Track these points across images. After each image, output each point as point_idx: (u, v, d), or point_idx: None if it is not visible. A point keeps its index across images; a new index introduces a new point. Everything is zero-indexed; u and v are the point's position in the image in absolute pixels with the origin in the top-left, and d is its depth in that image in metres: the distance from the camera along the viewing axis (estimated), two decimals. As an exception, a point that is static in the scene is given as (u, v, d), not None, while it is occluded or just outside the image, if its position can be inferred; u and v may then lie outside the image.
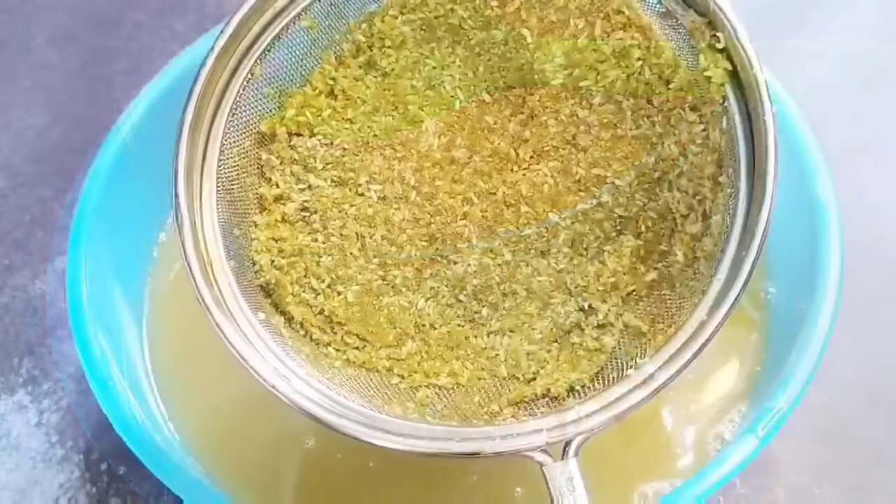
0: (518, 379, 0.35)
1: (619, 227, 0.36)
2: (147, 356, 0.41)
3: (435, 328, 0.36)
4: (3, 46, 0.57)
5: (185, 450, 0.38)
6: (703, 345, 0.31)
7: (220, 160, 0.35)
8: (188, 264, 0.33)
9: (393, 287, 0.37)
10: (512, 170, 0.37)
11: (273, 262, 0.36)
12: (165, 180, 0.44)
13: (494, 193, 0.37)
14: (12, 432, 0.42)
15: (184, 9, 0.59)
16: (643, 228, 0.36)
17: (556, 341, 0.36)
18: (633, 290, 0.35)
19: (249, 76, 0.35)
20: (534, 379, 0.35)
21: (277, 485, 0.38)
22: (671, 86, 0.35)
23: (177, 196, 0.33)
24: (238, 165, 0.36)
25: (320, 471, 0.38)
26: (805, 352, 0.35)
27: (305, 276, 0.36)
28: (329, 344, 0.36)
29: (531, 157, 0.36)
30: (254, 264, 0.35)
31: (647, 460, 0.38)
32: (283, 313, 0.36)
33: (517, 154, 0.36)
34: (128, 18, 0.58)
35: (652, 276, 0.35)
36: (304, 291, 0.36)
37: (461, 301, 0.37)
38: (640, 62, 0.35)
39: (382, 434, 0.31)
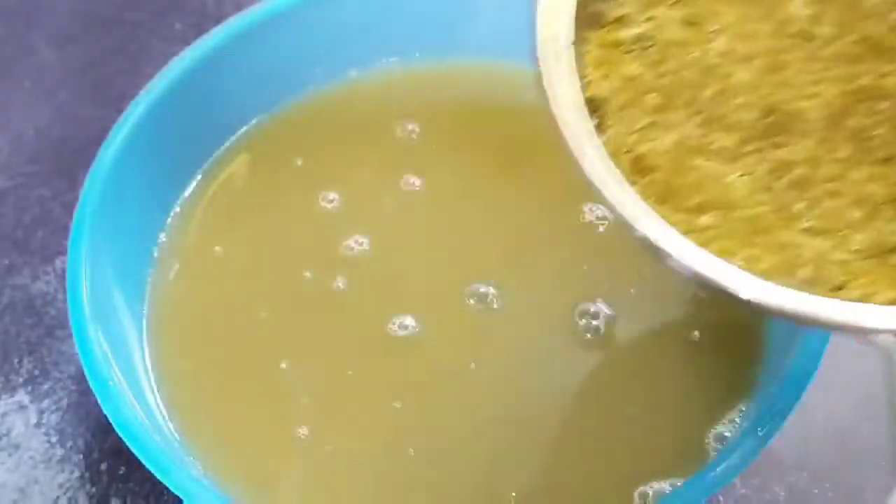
0: (820, 284, 0.31)
1: None
2: (147, 356, 0.41)
3: (741, 207, 0.32)
4: (2, 46, 0.57)
5: (185, 450, 0.38)
6: None
7: None
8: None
9: (709, 151, 0.33)
10: (882, 61, 0.32)
11: (603, 77, 0.33)
12: (167, 180, 0.44)
13: (852, 83, 0.32)
14: (12, 432, 0.42)
15: (183, 9, 0.59)
16: None
17: (873, 257, 0.31)
18: None
19: None
20: (840, 289, 0.31)
21: (278, 484, 0.38)
22: None
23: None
24: None
25: (323, 470, 0.38)
26: (805, 352, 0.35)
27: (626, 108, 0.33)
28: (634, 183, 0.32)
29: None
30: (584, 77, 0.33)
31: (647, 460, 0.38)
32: None
33: (892, 46, 0.32)
34: (127, 19, 0.58)
35: None
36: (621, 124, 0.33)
37: (776, 188, 0.32)
38: None
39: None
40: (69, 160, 0.51)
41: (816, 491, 0.39)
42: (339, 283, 0.42)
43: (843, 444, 0.40)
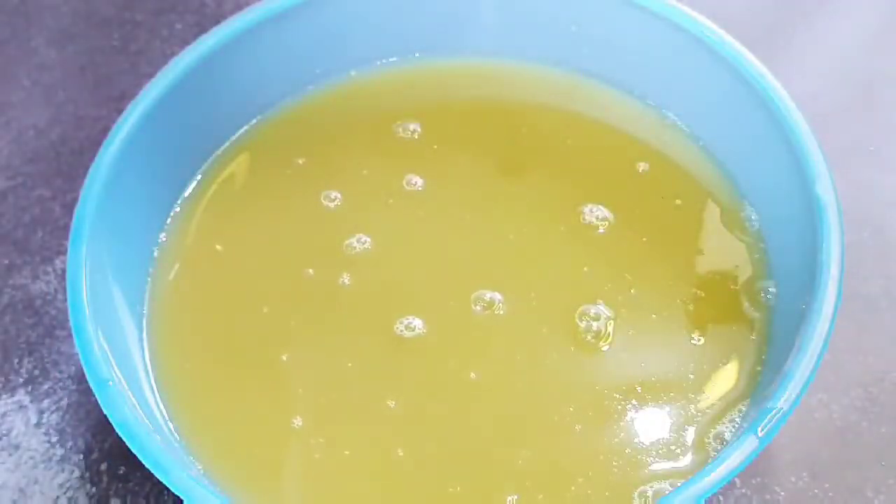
0: None
1: None
2: (147, 356, 0.41)
3: None
4: (3, 46, 0.57)
5: (185, 449, 0.38)
6: None
7: None
8: None
9: None
10: None
11: None
12: (167, 180, 0.45)
13: None
14: (12, 432, 0.42)
15: (183, 8, 0.59)
16: None
17: None
18: None
19: None
20: None
21: (279, 484, 0.38)
22: None
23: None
24: None
25: (321, 470, 0.38)
26: (805, 352, 0.35)
27: None
28: None
29: None
30: None
31: (647, 461, 0.38)
32: None
33: None
34: (127, 19, 0.58)
35: None
36: None
37: None
38: None
39: None
40: (69, 160, 0.51)
41: (816, 491, 0.39)
42: (343, 280, 0.42)
43: (843, 444, 0.40)
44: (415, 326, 0.40)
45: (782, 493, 0.40)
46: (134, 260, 0.43)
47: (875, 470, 0.40)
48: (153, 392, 0.40)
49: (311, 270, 0.42)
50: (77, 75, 0.55)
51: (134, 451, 0.34)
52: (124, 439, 0.34)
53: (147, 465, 0.33)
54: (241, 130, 0.47)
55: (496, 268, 0.42)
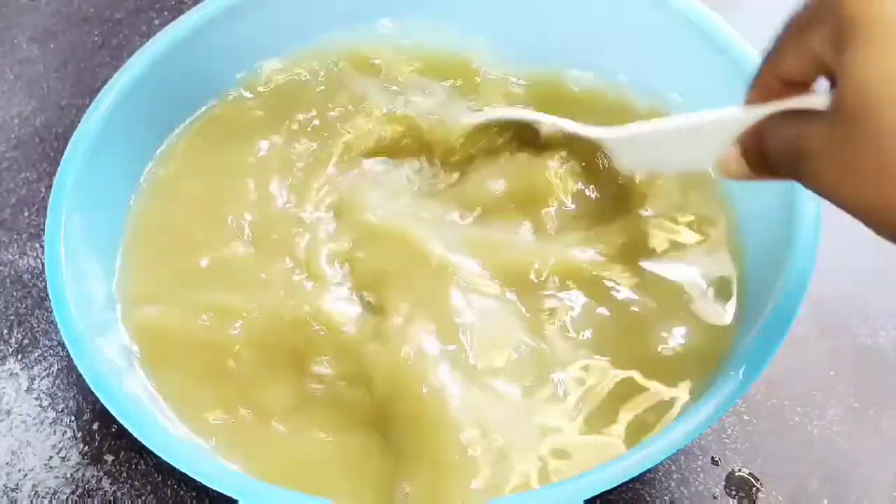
0: None
1: None
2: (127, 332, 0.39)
3: None
4: (-15, 44, 0.56)
5: (163, 410, 0.36)
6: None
7: None
8: None
9: None
10: None
11: None
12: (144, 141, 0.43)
13: None
14: (3, 399, 0.40)
15: (161, 6, 0.59)
16: None
17: None
18: None
19: None
20: None
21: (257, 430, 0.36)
22: None
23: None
24: None
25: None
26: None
27: None
28: None
29: None
30: None
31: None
32: None
33: None
34: (107, 17, 0.57)
35: None
36: None
37: None
38: None
39: None
40: (53, 145, 0.49)
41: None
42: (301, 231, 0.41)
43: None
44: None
45: (743, 406, 0.39)
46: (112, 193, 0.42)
47: (825, 379, 0.40)
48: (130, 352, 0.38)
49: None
50: (59, 69, 0.53)
51: (106, 404, 0.32)
52: (97, 394, 0.32)
53: (124, 423, 0.31)
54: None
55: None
